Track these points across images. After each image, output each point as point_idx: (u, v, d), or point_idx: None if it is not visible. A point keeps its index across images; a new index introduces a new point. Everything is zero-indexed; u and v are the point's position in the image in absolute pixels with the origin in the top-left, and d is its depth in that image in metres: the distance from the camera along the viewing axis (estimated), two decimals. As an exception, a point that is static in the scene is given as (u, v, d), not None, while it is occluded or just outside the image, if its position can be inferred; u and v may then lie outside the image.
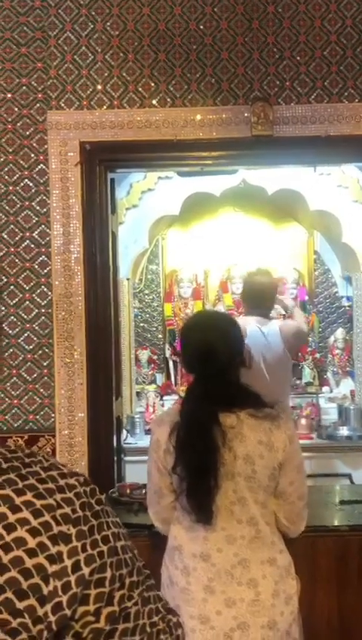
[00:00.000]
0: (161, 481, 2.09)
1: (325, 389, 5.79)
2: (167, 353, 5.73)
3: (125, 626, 0.83)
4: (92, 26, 3.41)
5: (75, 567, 0.79)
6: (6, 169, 3.43)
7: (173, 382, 5.70)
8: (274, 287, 4.18)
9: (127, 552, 0.86)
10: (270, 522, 2.04)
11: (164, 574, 2.09)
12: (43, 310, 3.43)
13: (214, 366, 2.03)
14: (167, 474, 2.06)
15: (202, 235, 5.74)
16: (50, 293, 3.43)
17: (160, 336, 5.84)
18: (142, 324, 5.81)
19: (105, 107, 3.41)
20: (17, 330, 3.43)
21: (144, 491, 3.07)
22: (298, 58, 3.42)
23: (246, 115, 3.39)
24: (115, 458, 3.50)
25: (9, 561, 0.75)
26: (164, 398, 5.53)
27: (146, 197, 5.13)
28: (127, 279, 5.24)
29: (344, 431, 5.10)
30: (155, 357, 5.74)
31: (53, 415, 3.40)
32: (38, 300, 3.44)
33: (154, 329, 5.84)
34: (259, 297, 3.99)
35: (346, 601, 2.49)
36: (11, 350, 3.41)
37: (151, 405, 5.31)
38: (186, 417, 2.02)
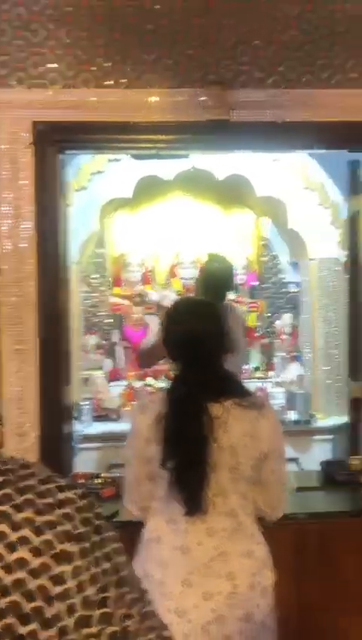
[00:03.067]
0: (139, 469, 2.06)
1: (271, 373, 5.83)
2: (115, 338, 5.67)
3: None
4: (44, 2, 3.29)
5: (80, 587, 0.74)
6: None
7: (121, 368, 5.64)
8: (231, 274, 4.15)
9: (127, 567, 0.83)
10: (250, 513, 2.03)
11: (138, 567, 2.05)
12: (-8, 295, 3.33)
13: (200, 354, 2.00)
14: (147, 462, 2.03)
15: (151, 219, 5.67)
16: (-1, 277, 3.32)
17: (108, 321, 5.76)
18: (89, 309, 5.72)
19: (58, 86, 3.31)
20: (-35, 315, 3.31)
21: (99, 480, 3.05)
22: (255, 42, 3.37)
23: (202, 98, 3.34)
24: (67, 447, 3.44)
25: (11, 583, 0.70)
26: (112, 383, 5.47)
27: (96, 179, 5.03)
28: (76, 263, 5.14)
29: (291, 415, 5.15)
30: (103, 342, 5.67)
31: (0, 404, 3.31)
32: (-13, 284, 3.33)
33: (103, 314, 5.76)
34: (217, 283, 3.95)
35: (304, 589, 2.51)
36: None
37: (100, 391, 5.24)
38: (175, 407, 1.98)
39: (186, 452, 1.94)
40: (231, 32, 3.36)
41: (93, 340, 5.59)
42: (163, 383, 5.21)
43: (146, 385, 5.35)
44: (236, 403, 1.99)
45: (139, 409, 2.12)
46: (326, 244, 5.28)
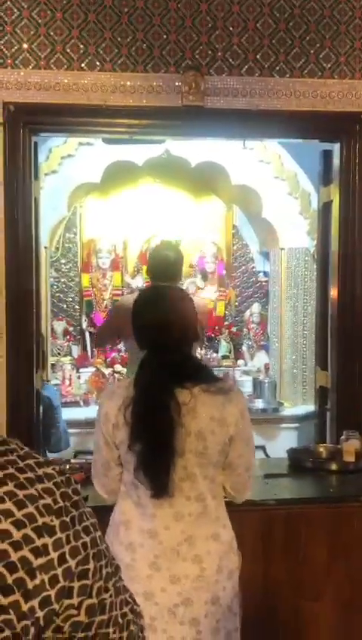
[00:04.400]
0: (108, 454, 2.06)
1: (240, 362, 5.86)
2: (84, 325, 5.64)
3: (101, 617, 0.82)
4: (18, -20, 3.23)
5: (61, 559, 0.76)
6: None
7: (89, 354, 5.62)
8: (180, 261, 4.11)
9: (103, 542, 0.84)
10: (217, 496, 2.05)
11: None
12: None
13: (169, 341, 2.00)
14: (115, 447, 2.04)
15: (121, 205, 5.64)
16: (-32, 260, 3.27)
17: (76, 307, 5.73)
18: (58, 294, 5.68)
19: (30, 67, 3.26)
20: None
21: (68, 466, 3.03)
22: (231, 28, 3.37)
23: (177, 84, 3.32)
24: (35, 433, 3.42)
25: None
26: (80, 370, 5.45)
27: (66, 163, 4.99)
28: (45, 247, 5.09)
29: (258, 403, 5.19)
30: (71, 328, 5.64)
31: (-30, 387, 3.28)
32: None
33: (71, 299, 5.72)
34: (164, 271, 3.91)
35: (270, 574, 2.53)
36: None
37: (68, 378, 5.22)
38: (142, 392, 1.98)
39: (153, 436, 1.95)
40: (206, 18, 3.34)
41: (61, 325, 5.55)
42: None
43: (114, 372, 5.33)
44: (203, 389, 1.99)
45: (107, 395, 2.12)
46: (296, 234, 5.31)
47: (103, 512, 2.07)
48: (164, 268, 3.73)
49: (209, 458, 1.99)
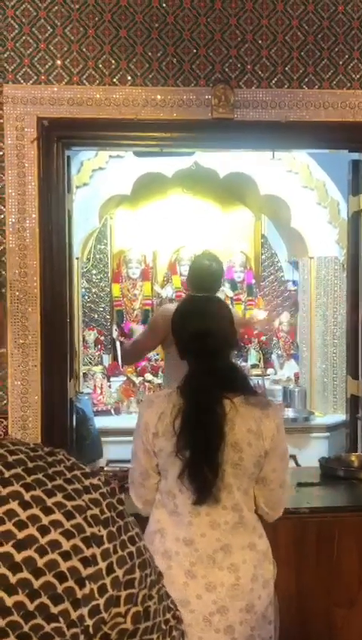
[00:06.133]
0: (147, 463, 2.10)
1: (269, 371, 5.87)
2: (114, 334, 5.69)
3: (146, 624, 0.84)
4: (51, -1, 3.31)
5: (109, 569, 0.78)
6: None
7: (119, 363, 5.67)
8: (220, 271, 4.16)
9: (147, 551, 0.87)
10: (251, 508, 2.07)
11: None
12: (-4, 289, 3.35)
13: (211, 351, 2.04)
14: (153, 455, 2.07)
15: (151, 216, 5.70)
16: (3, 272, 3.34)
17: (107, 316, 5.79)
18: (89, 305, 5.75)
19: (63, 83, 3.33)
20: (-31, 309, 3.33)
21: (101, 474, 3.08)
22: (260, 42, 3.41)
23: (207, 97, 3.37)
24: (69, 441, 3.47)
25: (44, 564, 0.74)
26: (111, 379, 5.50)
27: (97, 175, 5.06)
28: (76, 258, 5.17)
29: (289, 413, 5.19)
30: (102, 338, 5.70)
31: (5, 397, 3.34)
32: (-8, 279, 3.36)
33: (102, 309, 5.79)
34: (205, 281, 3.95)
35: (303, 582, 2.55)
36: None
37: (99, 387, 5.27)
38: (192, 399, 2.01)
39: (201, 442, 1.98)
40: (235, 32, 3.39)
41: (92, 335, 5.62)
42: (161, 379, 5.25)
43: (145, 380, 5.38)
44: (243, 400, 2.03)
45: (147, 404, 2.16)
46: (325, 243, 5.32)
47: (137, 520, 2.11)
48: (205, 278, 3.78)
49: (244, 470, 2.02)
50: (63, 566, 0.74)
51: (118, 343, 5.53)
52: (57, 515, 0.76)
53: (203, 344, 2.05)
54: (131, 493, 2.20)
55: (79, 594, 0.75)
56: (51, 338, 3.36)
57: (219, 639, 1.98)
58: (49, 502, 0.76)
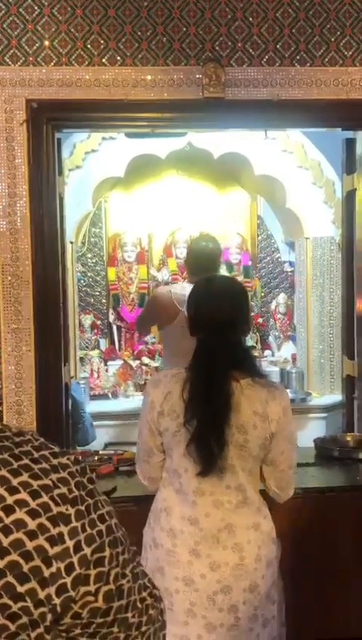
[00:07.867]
0: (151, 441, 2.12)
1: (266, 352, 5.86)
2: (111, 318, 5.68)
3: (120, 603, 0.84)
4: (38, -22, 3.26)
5: (77, 547, 0.78)
6: None
7: (116, 347, 5.67)
8: (218, 252, 4.14)
9: (119, 529, 0.87)
10: (256, 489, 2.08)
11: (148, 536, 2.12)
12: (-12, 274, 3.33)
13: (226, 332, 2.03)
14: (158, 434, 2.09)
15: (146, 198, 5.67)
16: (-5, 256, 3.32)
17: (103, 300, 5.77)
18: (84, 289, 5.73)
19: (52, 64, 3.29)
20: None
21: (97, 458, 3.08)
22: (250, 19, 3.36)
23: (197, 76, 3.32)
24: (64, 425, 3.46)
25: (9, 544, 0.73)
26: (108, 363, 5.50)
27: (90, 158, 5.02)
28: (70, 242, 5.14)
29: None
30: (98, 322, 5.68)
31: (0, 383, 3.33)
32: (-16, 263, 3.33)
33: (98, 293, 5.77)
34: (203, 263, 3.94)
35: (297, 563, 2.56)
36: None
37: (96, 371, 5.27)
38: (200, 372, 2.01)
39: (209, 416, 1.98)
40: (225, 9, 3.34)
41: (88, 319, 5.61)
42: (157, 363, 5.24)
43: (142, 364, 5.37)
44: (250, 383, 2.02)
45: (153, 383, 2.16)
46: (320, 223, 5.29)
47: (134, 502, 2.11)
48: (204, 260, 3.76)
49: (249, 451, 2.02)
50: (29, 545, 0.74)
51: (114, 327, 5.52)
52: (22, 495, 0.76)
53: (218, 321, 2.05)
54: (137, 470, 2.23)
55: (46, 573, 0.74)
56: (45, 322, 3.34)
57: (223, 618, 2.00)
58: (14, 482, 0.76)
